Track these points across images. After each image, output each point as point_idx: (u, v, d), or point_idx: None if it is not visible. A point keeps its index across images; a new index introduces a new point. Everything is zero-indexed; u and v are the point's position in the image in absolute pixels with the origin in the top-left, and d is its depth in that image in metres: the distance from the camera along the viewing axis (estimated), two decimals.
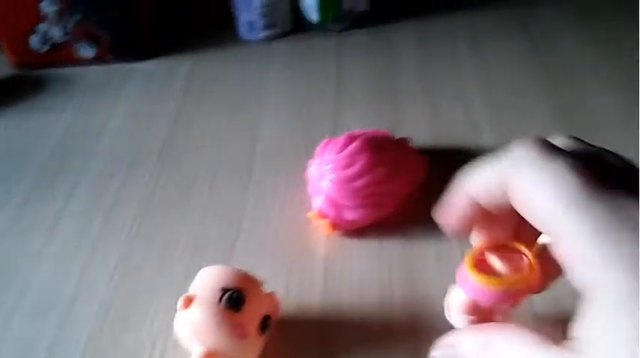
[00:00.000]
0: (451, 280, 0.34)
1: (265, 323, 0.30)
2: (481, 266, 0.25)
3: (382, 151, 0.38)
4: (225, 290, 0.28)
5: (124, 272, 0.37)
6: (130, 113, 0.50)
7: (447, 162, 0.42)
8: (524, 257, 0.25)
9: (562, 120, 0.45)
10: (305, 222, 0.38)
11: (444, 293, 0.33)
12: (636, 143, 0.43)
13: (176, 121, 0.49)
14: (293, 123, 0.48)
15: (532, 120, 0.46)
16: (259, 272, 0.31)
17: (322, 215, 0.37)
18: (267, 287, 0.31)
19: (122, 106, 0.51)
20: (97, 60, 0.56)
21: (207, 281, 0.29)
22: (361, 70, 0.53)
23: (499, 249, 0.26)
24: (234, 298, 0.28)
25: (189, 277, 0.30)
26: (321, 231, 0.38)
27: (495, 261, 0.25)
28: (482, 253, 0.26)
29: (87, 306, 0.35)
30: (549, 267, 0.24)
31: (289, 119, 0.48)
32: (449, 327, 0.31)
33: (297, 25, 0.59)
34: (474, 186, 0.24)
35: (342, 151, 0.37)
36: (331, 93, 0.50)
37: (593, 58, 0.52)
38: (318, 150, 0.39)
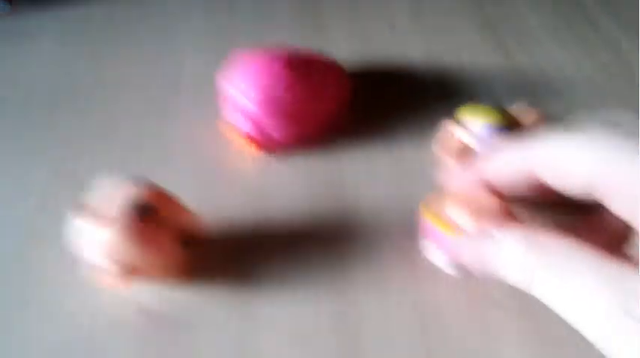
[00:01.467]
0: (380, 191, 0.34)
1: (186, 239, 0.29)
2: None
3: (305, 69, 0.37)
4: (132, 202, 0.26)
5: None
6: (46, 59, 0.48)
7: (374, 82, 0.42)
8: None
9: (489, 36, 0.45)
10: (231, 144, 0.37)
11: (374, 205, 0.34)
12: (557, 54, 0.43)
13: (93, 61, 0.46)
14: (215, 50, 0.45)
15: (459, 36, 0.46)
16: (184, 194, 0.30)
17: (247, 135, 0.36)
18: (193, 209, 0.30)
19: (37, 54, 0.48)
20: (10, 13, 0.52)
21: (111, 192, 0.27)
22: None
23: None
24: (144, 209, 0.26)
25: None
26: (247, 152, 0.37)
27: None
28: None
29: None
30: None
31: (211, 46, 0.46)
32: (379, 238, 0.31)
33: None
34: (492, 167, 0.25)
35: (263, 70, 0.36)
36: (250, 18, 0.49)
37: None
38: (235, 66, 0.37)
